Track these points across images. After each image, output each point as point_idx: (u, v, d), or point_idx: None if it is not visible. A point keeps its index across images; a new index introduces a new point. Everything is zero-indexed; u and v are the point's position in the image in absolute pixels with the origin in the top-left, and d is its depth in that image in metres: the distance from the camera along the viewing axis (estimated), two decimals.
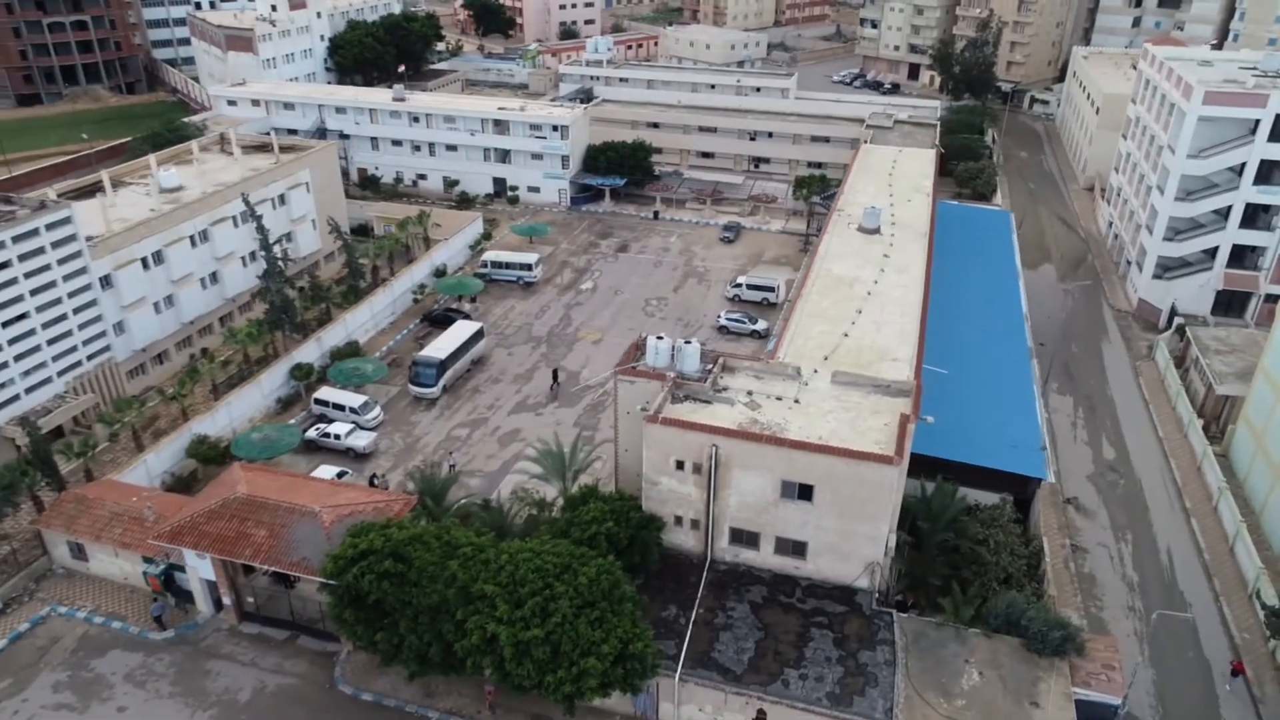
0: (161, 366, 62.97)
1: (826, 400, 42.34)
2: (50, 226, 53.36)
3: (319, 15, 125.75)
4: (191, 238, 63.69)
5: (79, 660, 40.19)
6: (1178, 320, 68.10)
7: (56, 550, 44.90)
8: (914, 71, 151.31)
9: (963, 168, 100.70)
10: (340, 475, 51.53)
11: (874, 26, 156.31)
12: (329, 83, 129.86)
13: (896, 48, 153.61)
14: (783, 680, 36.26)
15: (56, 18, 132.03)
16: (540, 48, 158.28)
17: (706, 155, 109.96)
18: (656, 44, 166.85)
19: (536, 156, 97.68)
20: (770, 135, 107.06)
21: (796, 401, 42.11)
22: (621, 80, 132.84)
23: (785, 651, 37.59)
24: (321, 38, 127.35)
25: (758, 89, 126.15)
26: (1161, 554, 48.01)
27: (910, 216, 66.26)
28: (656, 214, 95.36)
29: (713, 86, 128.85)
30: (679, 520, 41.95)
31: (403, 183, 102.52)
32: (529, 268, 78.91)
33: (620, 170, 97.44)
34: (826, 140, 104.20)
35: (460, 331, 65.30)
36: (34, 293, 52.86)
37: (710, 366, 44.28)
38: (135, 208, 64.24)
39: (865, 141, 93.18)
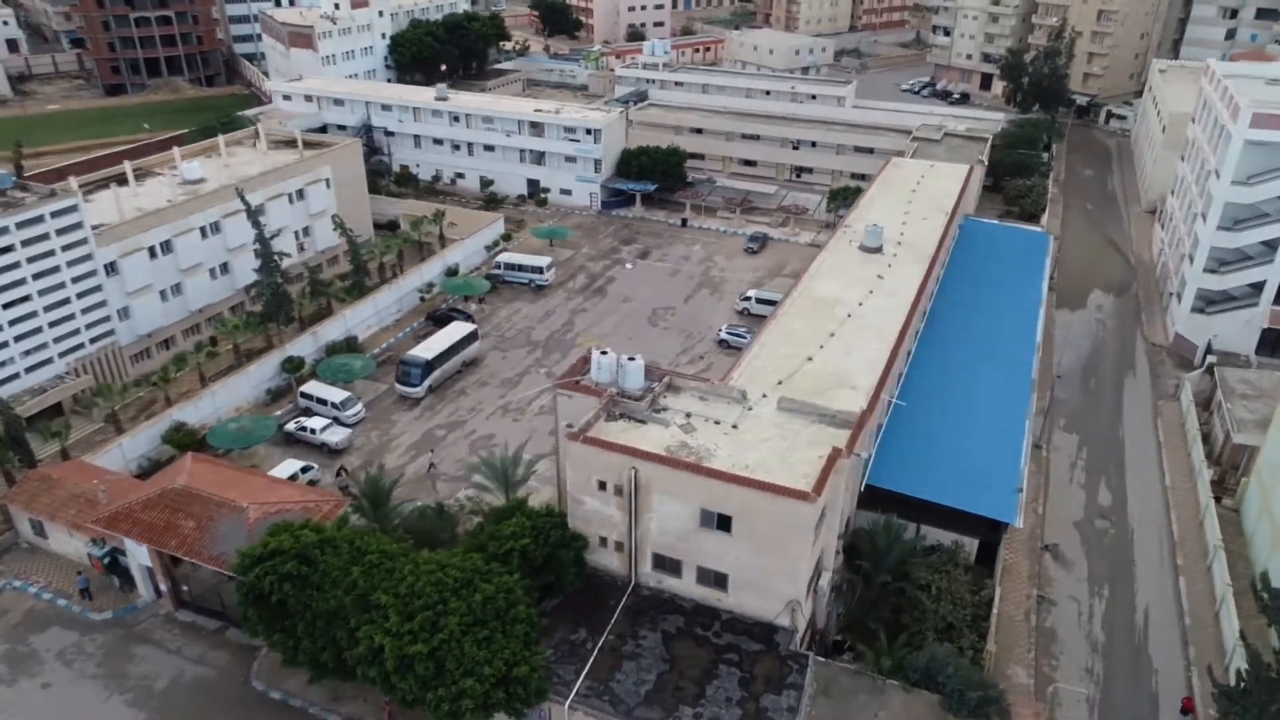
0: (167, 352, 65.18)
1: (767, 428, 40.65)
2: (55, 214, 55.90)
3: (380, 14, 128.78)
4: (202, 229, 65.76)
5: (18, 634, 41.81)
6: (1210, 359, 63.09)
7: (21, 526, 46.92)
8: (986, 81, 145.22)
9: (1012, 185, 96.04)
10: (305, 469, 52.32)
11: (946, 34, 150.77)
12: (389, 80, 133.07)
13: (969, 56, 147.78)
14: (675, 718, 34.88)
15: (143, 12, 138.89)
16: (604, 49, 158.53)
17: (749, 163, 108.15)
18: (722, 48, 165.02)
19: (570, 159, 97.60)
20: (814, 145, 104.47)
21: (734, 427, 40.57)
22: (677, 84, 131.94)
23: (686, 688, 36.13)
24: (383, 36, 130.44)
25: (813, 96, 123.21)
26: (1138, 614, 44.41)
27: (920, 236, 63.38)
28: (685, 221, 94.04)
29: (767, 92, 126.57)
30: (604, 541, 40.85)
31: (440, 181, 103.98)
32: (540, 271, 78.80)
33: (652, 176, 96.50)
34: (870, 151, 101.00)
35: (451, 333, 65.60)
36: (36, 276, 55.46)
37: (654, 385, 43.11)
38: (155, 198, 66.77)
39: (908, 154, 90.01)
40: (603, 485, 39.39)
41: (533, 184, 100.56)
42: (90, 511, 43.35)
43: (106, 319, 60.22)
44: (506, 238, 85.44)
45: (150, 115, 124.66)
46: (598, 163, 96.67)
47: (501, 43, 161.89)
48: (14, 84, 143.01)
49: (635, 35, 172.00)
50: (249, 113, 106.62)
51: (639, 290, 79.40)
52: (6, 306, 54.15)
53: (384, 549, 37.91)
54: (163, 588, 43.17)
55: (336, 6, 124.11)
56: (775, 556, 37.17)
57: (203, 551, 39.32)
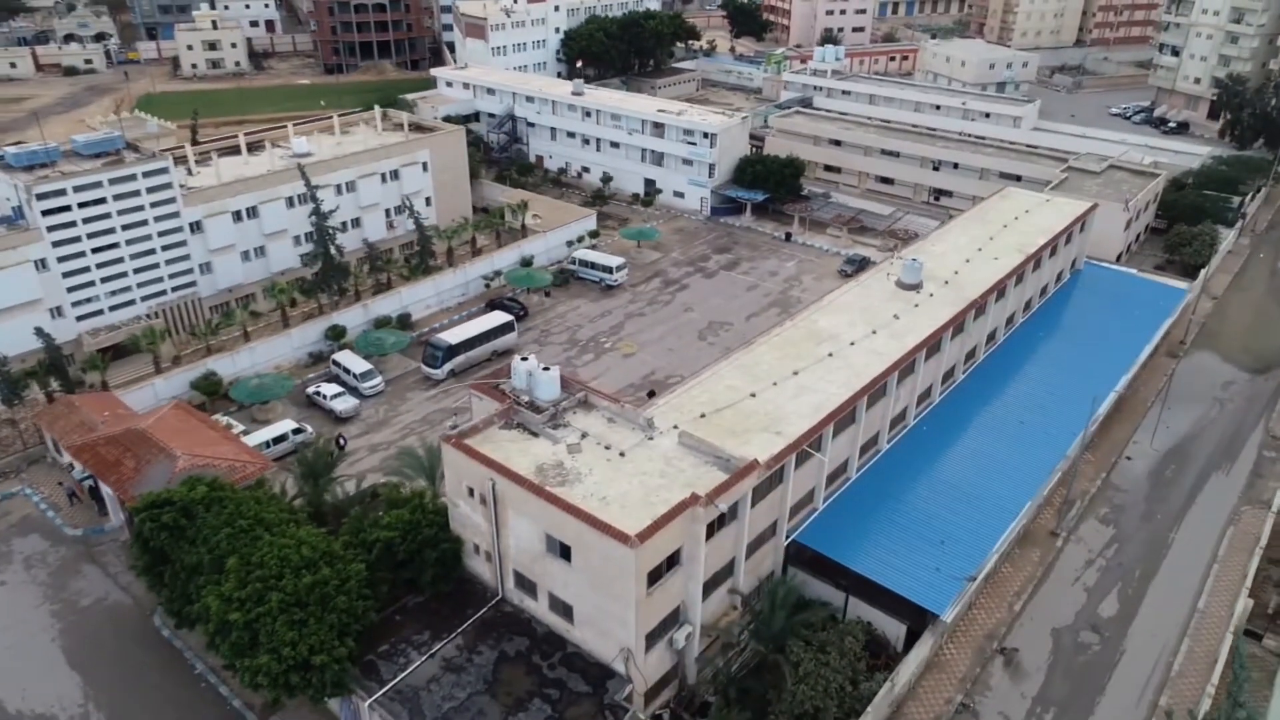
0: (249, 308, 71.61)
1: (655, 461, 38.23)
2: (148, 174, 63.13)
3: (556, 9, 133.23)
4: (289, 199, 71.49)
5: (6, 536, 48.01)
6: None
7: (48, 442, 53.66)
8: (1215, 110, 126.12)
9: (1174, 231, 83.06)
10: (296, 431, 55.64)
11: (1174, 54, 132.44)
12: (559, 74, 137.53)
13: (1196, 80, 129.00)
14: None
15: (363, 3, 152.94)
16: (787, 53, 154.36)
17: (885, 180, 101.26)
18: (917, 57, 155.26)
19: (686, 162, 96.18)
20: (955, 167, 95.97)
21: (621, 455, 38.51)
22: (844, 92, 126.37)
23: (490, 714, 34.86)
24: (556, 30, 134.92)
25: (986, 115, 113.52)
26: None
27: (978, 276, 56.57)
28: (789, 235, 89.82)
29: (937, 107, 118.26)
30: (476, 549, 40.27)
31: (567, 174, 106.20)
32: (610, 271, 78.46)
33: (765, 185, 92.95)
34: (1018, 179, 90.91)
35: (484, 321, 67.08)
36: (125, 227, 62.94)
37: (567, 399, 41.74)
38: (260, 168, 73.45)
39: (1053, 184, 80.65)
40: (471, 492, 38.85)
41: (649, 184, 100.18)
42: (81, 437, 48.77)
43: (189, 271, 67.24)
44: (594, 234, 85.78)
45: (349, 94, 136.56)
46: (711, 167, 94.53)
47: (690, 42, 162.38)
48: (258, 60, 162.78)
49: (829, 39, 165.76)
50: (412, 96, 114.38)
51: (708, 301, 76.95)
52: (96, 250, 61.95)
53: (262, 516, 39.63)
54: (123, 515, 47.73)
55: (515, 0, 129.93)
56: (607, 597, 34.96)
57: (128, 489, 43.09)
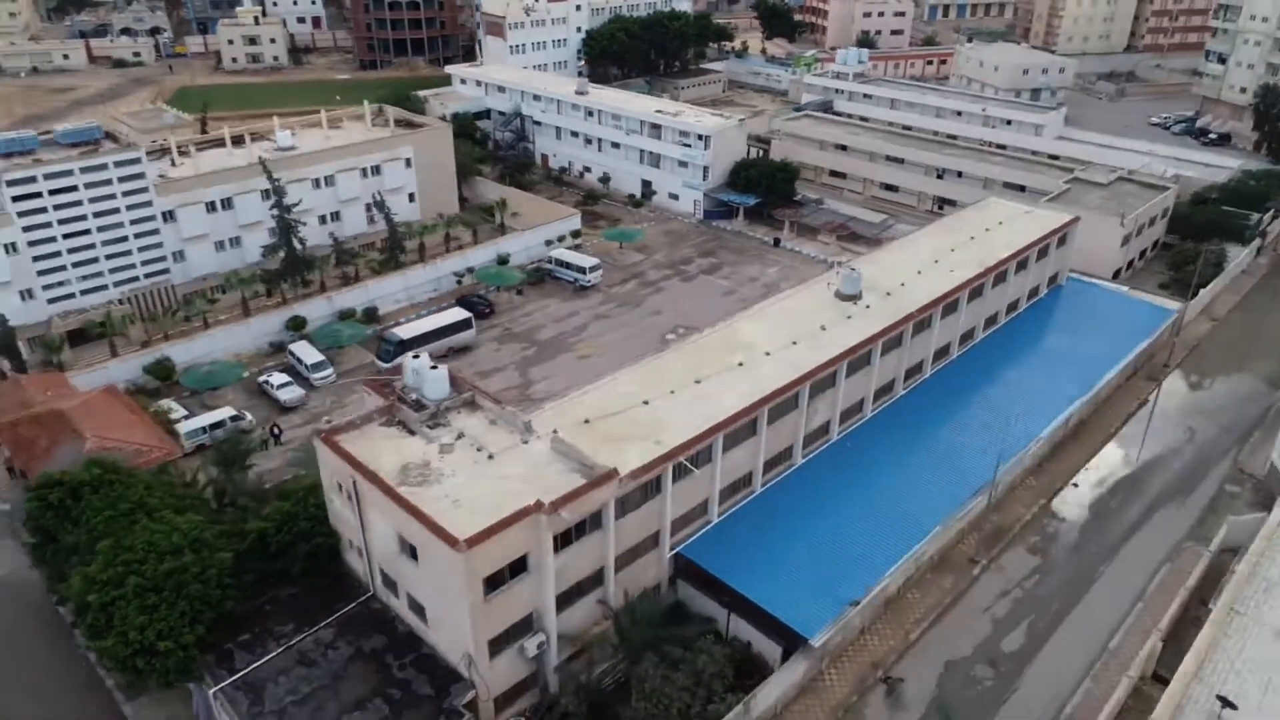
0: (224, 296, 73.10)
1: (521, 465, 37.67)
2: (119, 164, 65.05)
3: (578, 8, 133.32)
4: (264, 191, 72.62)
5: None
6: None
7: None
8: (1260, 121, 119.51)
9: (1176, 249, 78.98)
10: (234, 418, 56.54)
11: (1221, 61, 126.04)
12: (579, 74, 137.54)
13: (1243, 89, 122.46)
14: None
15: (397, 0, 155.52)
16: (818, 55, 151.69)
17: (890, 188, 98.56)
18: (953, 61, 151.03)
19: (682, 164, 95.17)
20: (959, 175, 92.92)
21: (490, 457, 38.11)
22: (865, 96, 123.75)
23: (328, 709, 34.81)
24: (578, 30, 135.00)
25: (1008, 122, 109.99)
26: None
27: (926, 289, 54.44)
28: (777, 241, 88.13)
29: (958, 113, 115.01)
30: (350, 544, 40.33)
31: (568, 173, 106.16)
32: (584, 271, 78.05)
33: (758, 189, 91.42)
34: (1022, 189, 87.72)
35: (440, 317, 67.39)
36: (97, 215, 64.99)
37: (452, 398, 41.47)
38: (243, 160, 75.07)
39: (1054, 196, 77.68)
40: (340, 488, 38.92)
41: (646, 185, 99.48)
42: (10, 415, 50.40)
43: (162, 259, 69.15)
44: (576, 234, 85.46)
45: (373, 90, 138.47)
46: (705, 169, 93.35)
47: (722, 43, 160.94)
48: (298, 55, 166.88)
49: (865, 42, 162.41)
50: (425, 93, 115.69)
51: (679, 305, 75.97)
52: (67, 236, 64.09)
53: (145, 501, 40.32)
54: None
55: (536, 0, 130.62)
56: (448, 600, 34.61)
57: (34, 468, 44.35)
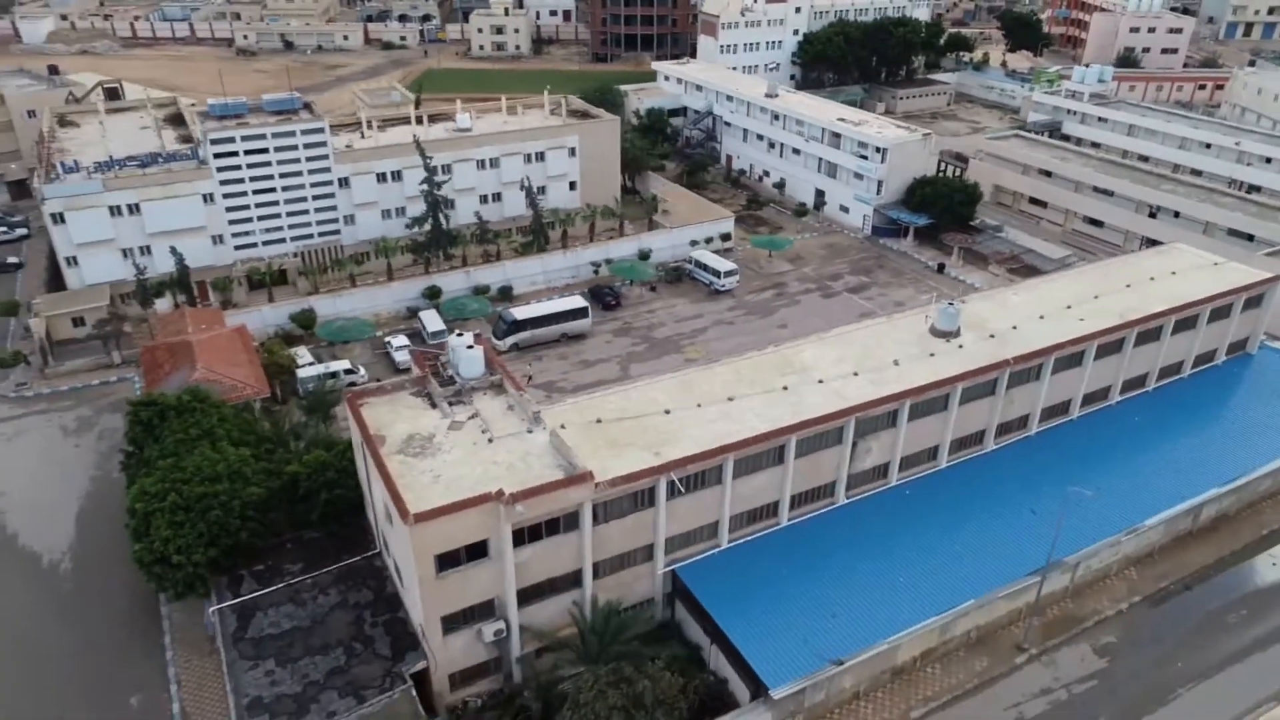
0: (372, 261, 78.80)
1: (516, 453, 38.14)
2: (305, 132, 72.60)
3: (797, 10, 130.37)
4: (435, 168, 78.20)
5: (100, 410, 58.55)
6: None
7: None
8: None
9: None
10: (348, 371, 61.50)
11: None
12: (791, 77, 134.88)
13: None
14: (259, 659, 36.47)
15: None
16: (1063, 71, 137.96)
17: (1094, 223, 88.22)
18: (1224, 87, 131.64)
19: (858, 176, 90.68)
20: (1176, 215, 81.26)
21: (490, 441, 38.89)
22: (1100, 119, 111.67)
23: (293, 647, 37.22)
24: (795, 32, 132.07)
25: (1267, 160, 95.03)
26: None
27: (1042, 335, 48.43)
28: (942, 267, 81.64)
29: (1207, 146, 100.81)
30: (369, 501, 42.66)
31: (748, 176, 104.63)
32: (719, 275, 76.75)
33: (931, 209, 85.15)
34: (1250, 238, 75.48)
35: (558, 303, 69.12)
36: (282, 175, 72.96)
37: (479, 379, 42.61)
38: (422, 136, 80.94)
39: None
40: (358, 448, 41.28)
41: (819, 194, 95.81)
42: (159, 340, 58.08)
43: (335, 221, 76.39)
44: (725, 237, 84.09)
45: (588, 80, 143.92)
46: (879, 184, 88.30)
47: (960, 53, 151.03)
48: (540, 45, 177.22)
49: (1127, 60, 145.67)
50: (628, 88, 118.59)
51: (807, 320, 72.50)
52: (255, 192, 72.55)
53: (213, 430, 45.00)
54: None
55: (756, 0, 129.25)
56: (407, 569, 35.71)
57: (152, 387, 50.83)
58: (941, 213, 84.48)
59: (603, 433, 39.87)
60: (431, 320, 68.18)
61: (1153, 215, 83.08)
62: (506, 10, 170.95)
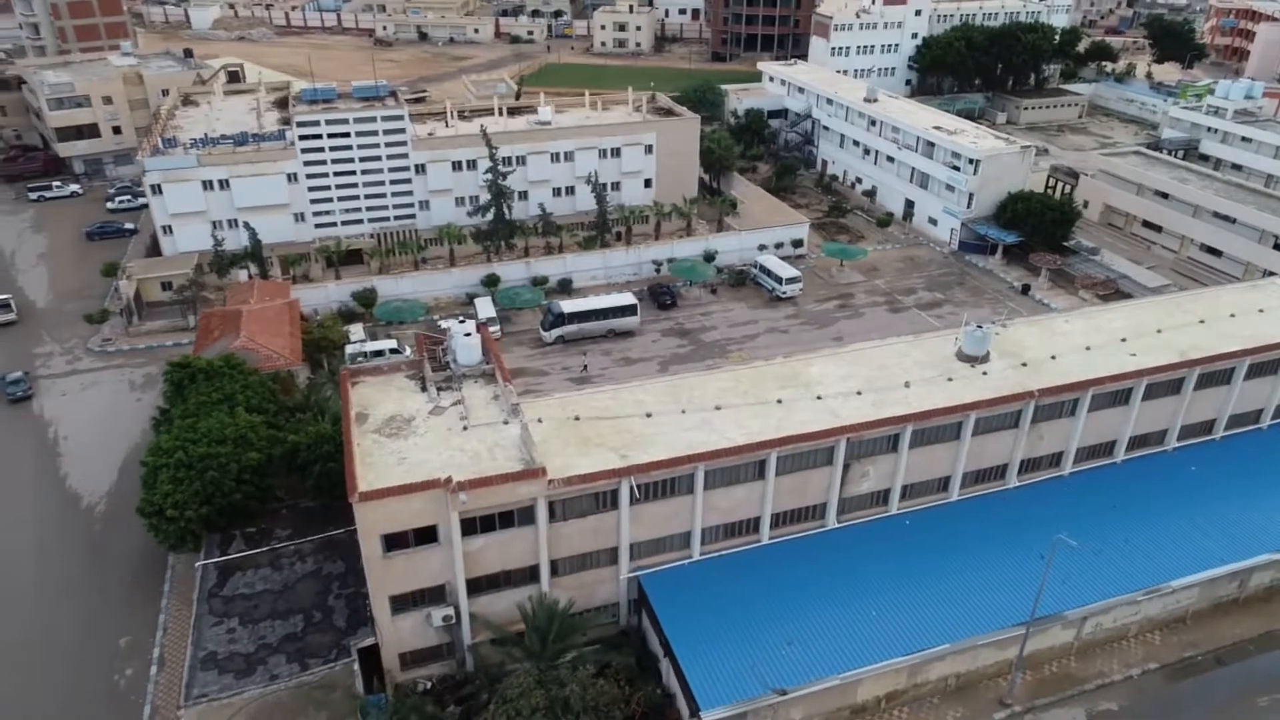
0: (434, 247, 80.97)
1: (485, 443, 38.30)
2: (385, 119, 75.48)
3: (917, 13, 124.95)
4: (506, 159, 79.60)
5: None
6: None
7: None
8: None
9: None
10: (394, 351, 63.38)
11: None
12: (907, 82, 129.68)
13: None
14: (227, 618, 38.15)
15: None
16: (1214, 85, 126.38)
17: (1212, 251, 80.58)
18: None
19: (949, 188, 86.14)
20: None
21: (465, 429, 39.24)
22: (1244, 140, 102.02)
23: (258, 609, 38.76)
24: (914, 36, 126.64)
25: None
26: None
27: (1083, 367, 44.56)
28: (1027, 288, 76.37)
29: None
30: None
31: (840, 181, 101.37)
32: (780, 281, 74.66)
33: (1022, 226, 79.84)
34: None
35: (607, 299, 69.05)
36: (363, 159, 76.13)
37: (471, 367, 43.09)
38: (511, 128, 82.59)
39: None
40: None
41: (909, 205, 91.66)
42: (222, 308, 61.72)
43: (411, 205, 79.08)
44: (797, 244, 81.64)
45: (695, 78, 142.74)
46: (970, 197, 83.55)
47: (1103, 63, 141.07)
48: (661, 43, 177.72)
49: None
50: (730, 87, 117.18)
51: (866, 334, 68.94)
52: (337, 174, 76.03)
53: (234, 395, 47.44)
54: None
55: (874, 1, 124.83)
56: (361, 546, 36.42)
57: (199, 350, 54.05)
58: (1032, 231, 79.07)
59: (577, 430, 39.47)
60: (485, 307, 69.57)
61: (1277, 247, 74.92)
62: (631, 7, 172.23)
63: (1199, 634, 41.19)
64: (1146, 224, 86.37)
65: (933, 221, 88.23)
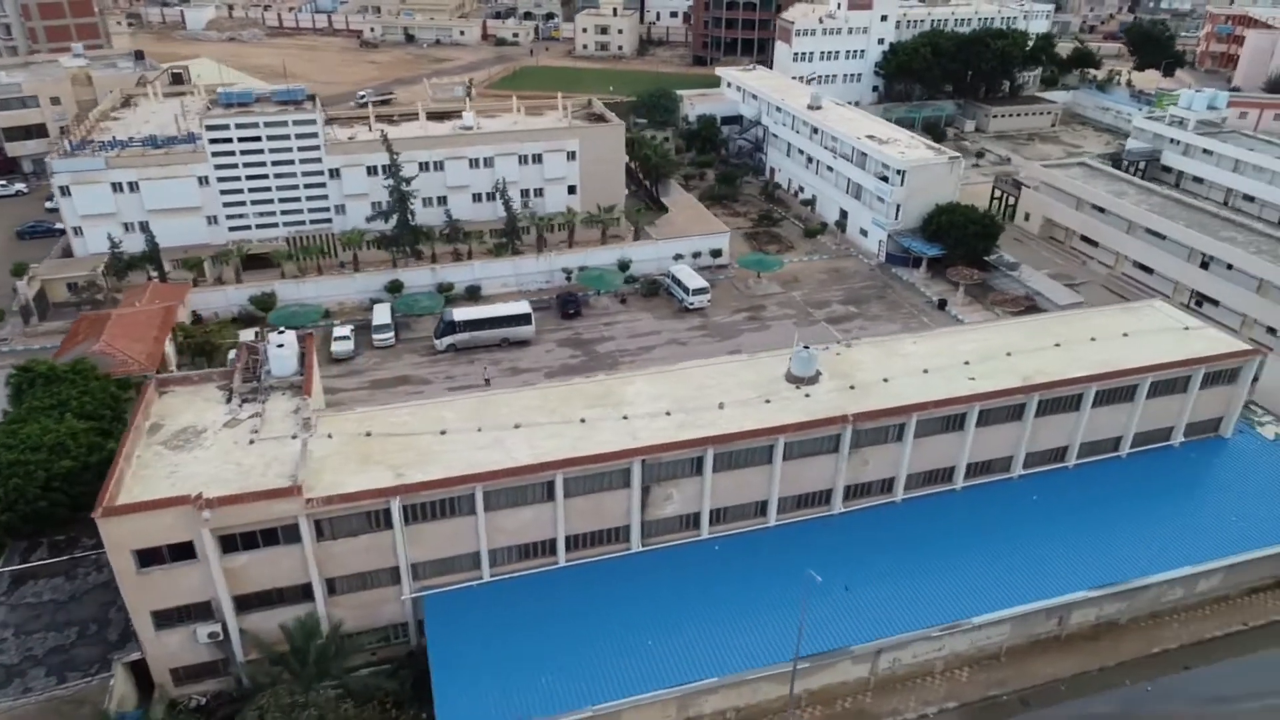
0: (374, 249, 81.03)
1: (264, 459, 37.76)
2: (297, 123, 75.42)
3: (883, 18, 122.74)
4: (422, 163, 79.11)
5: None
6: None
7: None
8: None
9: None
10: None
11: None
12: (875, 89, 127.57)
13: None
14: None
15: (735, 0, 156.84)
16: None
17: (1144, 269, 78.02)
18: None
19: (880, 199, 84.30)
20: (1229, 267, 70.37)
21: (251, 443, 38.77)
22: (1204, 151, 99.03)
23: (39, 618, 38.48)
24: (880, 41, 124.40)
25: None
26: None
27: (906, 390, 43.17)
28: (943, 303, 74.37)
29: None
30: None
31: (784, 190, 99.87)
32: (688, 292, 73.45)
33: (945, 239, 77.85)
34: None
35: (500, 307, 68.33)
36: (275, 164, 76.13)
37: (281, 379, 42.65)
38: (434, 132, 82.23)
39: None
40: None
41: (843, 214, 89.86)
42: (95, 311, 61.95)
43: (327, 210, 78.96)
44: (716, 254, 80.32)
45: (679, 82, 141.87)
46: (897, 208, 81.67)
47: (1085, 70, 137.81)
48: (646, 46, 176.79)
49: (1277, 86, 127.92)
50: (686, 92, 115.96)
51: (767, 347, 67.90)
52: (249, 178, 76.10)
53: (68, 401, 47.24)
54: None
55: (839, 6, 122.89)
56: None
57: (63, 353, 54.16)
58: (955, 244, 77.04)
59: (365, 447, 38.81)
60: (381, 313, 69.22)
61: (1205, 266, 72.23)
62: (615, 10, 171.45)
63: (1010, 672, 39.51)
64: (1085, 239, 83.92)
65: (864, 233, 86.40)
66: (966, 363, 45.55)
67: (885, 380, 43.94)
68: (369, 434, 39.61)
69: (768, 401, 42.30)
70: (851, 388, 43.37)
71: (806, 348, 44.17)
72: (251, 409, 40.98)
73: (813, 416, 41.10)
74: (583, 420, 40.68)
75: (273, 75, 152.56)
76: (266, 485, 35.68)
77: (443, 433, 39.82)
